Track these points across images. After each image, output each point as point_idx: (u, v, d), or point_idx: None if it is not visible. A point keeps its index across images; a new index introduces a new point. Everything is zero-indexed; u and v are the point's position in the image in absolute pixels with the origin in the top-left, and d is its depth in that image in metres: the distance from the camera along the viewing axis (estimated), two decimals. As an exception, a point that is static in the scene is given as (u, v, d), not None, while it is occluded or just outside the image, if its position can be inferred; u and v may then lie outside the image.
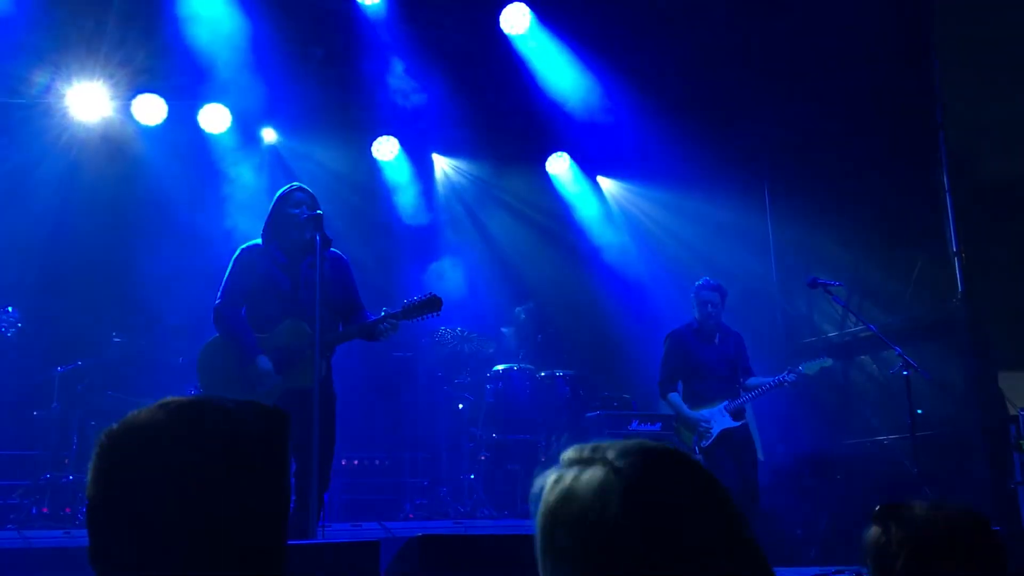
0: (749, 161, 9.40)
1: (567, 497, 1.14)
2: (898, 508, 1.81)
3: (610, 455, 1.16)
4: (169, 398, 1.27)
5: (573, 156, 10.16)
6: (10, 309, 6.80)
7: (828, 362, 6.69)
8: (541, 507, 1.17)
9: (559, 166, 10.19)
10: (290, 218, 5.01)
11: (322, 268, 4.75)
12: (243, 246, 5.18)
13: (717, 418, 6.51)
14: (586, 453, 1.19)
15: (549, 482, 1.19)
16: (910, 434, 6.33)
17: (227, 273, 5.13)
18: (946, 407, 7.35)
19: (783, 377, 6.57)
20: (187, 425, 1.22)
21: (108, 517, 1.20)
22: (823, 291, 6.79)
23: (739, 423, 6.54)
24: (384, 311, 5.00)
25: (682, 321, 6.93)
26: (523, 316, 8.99)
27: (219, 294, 5.10)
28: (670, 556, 1.08)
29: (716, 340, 6.76)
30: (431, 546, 4.05)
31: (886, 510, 1.81)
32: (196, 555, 1.16)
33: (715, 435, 6.46)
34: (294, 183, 5.28)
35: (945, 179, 7.59)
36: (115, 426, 1.24)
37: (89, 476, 1.22)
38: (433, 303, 5.04)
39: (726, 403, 6.55)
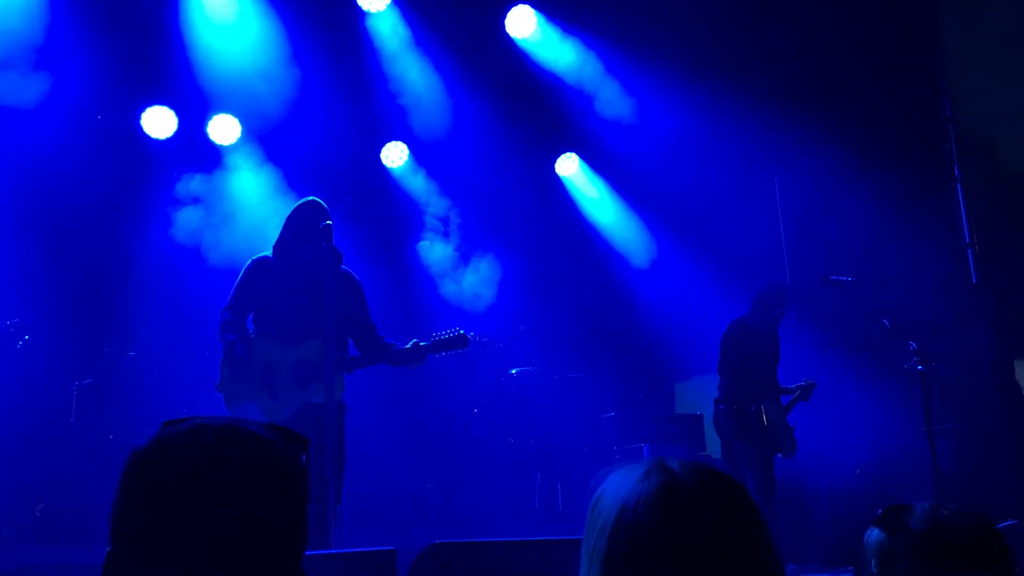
0: (758, 157, 9.37)
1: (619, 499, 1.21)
2: (901, 511, 1.81)
3: (672, 465, 1.24)
4: (199, 421, 1.29)
5: (582, 156, 10.15)
6: (16, 320, 6.80)
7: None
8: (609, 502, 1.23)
9: (568, 167, 10.18)
10: (302, 230, 5.05)
11: (333, 282, 4.78)
12: (253, 257, 5.24)
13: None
14: (649, 463, 1.26)
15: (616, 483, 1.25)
16: (925, 429, 6.28)
17: (236, 284, 5.18)
18: (962, 401, 7.31)
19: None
20: (219, 450, 1.24)
21: (132, 534, 1.22)
22: (836, 287, 6.74)
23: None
24: (413, 342, 5.11)
25: (710, 320, 6.84)
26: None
27: (226, 303, 5.15)
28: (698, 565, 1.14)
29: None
30: (447, 554, 4.05)
31: (889, 513, 1.81)
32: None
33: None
34: (308, 197, 5.32)
35: (956, 170, 7.57)
36: (145, 446, 1.26)
37: (117, 492, 1.25)
38: (461, 341, 5.14)
39: (784, 401, 6.49)
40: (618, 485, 1.25)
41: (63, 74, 7.78)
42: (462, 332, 5.15)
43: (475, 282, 9.27)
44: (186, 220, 8.24)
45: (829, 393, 7.96)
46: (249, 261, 5.24)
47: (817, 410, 7.60)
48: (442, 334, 5.15)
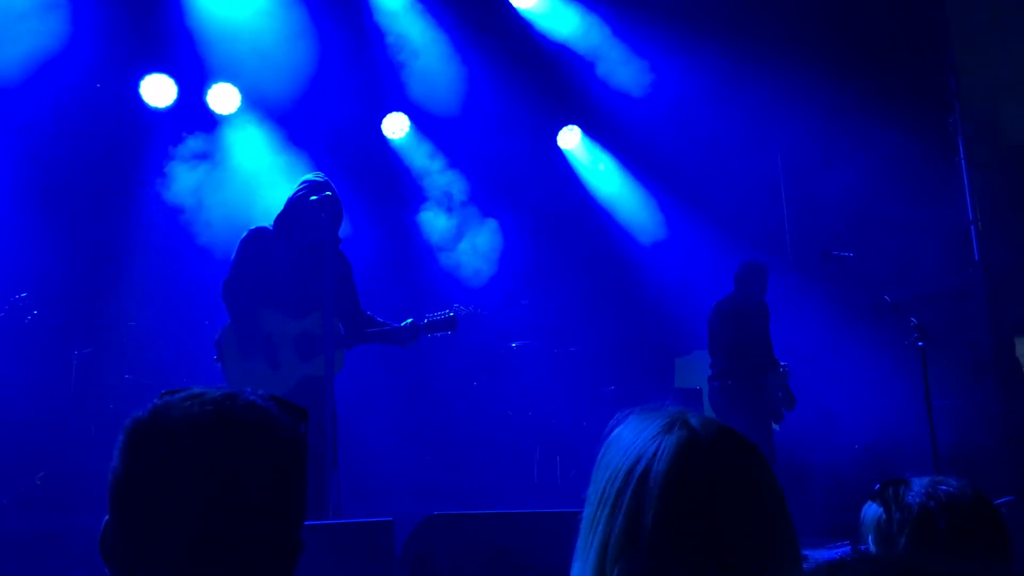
0: (761, 131, 9.32)
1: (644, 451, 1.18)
2: (899, 486, 1.80)
3: (692, 421, 1.22)
4: (197, 390, 1.29)
5: (587, 126, 10.08)
6: (23, 295, 6.83)
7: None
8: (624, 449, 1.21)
9: (570, 139, 10.11)
10: (306, 203, 5.06)
11: (332, 256, 4.81)
12: (252, 228, 5.22)
13: None
14: (671, 415, 1.24)
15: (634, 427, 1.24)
16: (925, 405, 6.30)
17: (237, 254, 5.16)
18: (962, 377, 7.32)
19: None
20: (218, 420, 1.24)
21: (130, 504, 1.22)
22: (837, 263, 6.76)
23: None
24: (410, 321, 5.24)
25: (711, 294, 6.94)
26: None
27: (229, 275, 5.13)
28: (725, 520, 1.13)
29: None
30: (444, 525, 4.07)
31: (887, 488, 1.81)
32: (210, 547, 1.19)
33: None
34: (318, 173, 5.35)
35: (960, 146, 7.53)
36: (144, 415, 1.26)
37: (115, 461, 1.25)
38: (451, 323, 5.30)
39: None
40: (636, 431, 1.23)
41: (65, 40, 7.72)
42: (452, 315, 5.30)
43: (476, 255, 9.24)
44: (185, 190, 8.20)
45: (829, 367, 7.99)
46: (247, 232, 5.22)
47: (817, 384, 7.63)
48: (435, 315, 5.30)
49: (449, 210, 9.56)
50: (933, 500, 1.75)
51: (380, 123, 9.43)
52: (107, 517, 1.25)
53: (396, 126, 9.47)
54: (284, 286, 5.10)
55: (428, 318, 5.29)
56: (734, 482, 1.17)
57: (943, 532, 1.72)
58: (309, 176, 5.30)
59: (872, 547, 1.81)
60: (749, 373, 6.50)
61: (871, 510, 1.82)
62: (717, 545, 1.11)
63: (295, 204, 5.13)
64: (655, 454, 1.17)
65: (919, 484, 1.79)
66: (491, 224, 9.69)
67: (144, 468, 1.22)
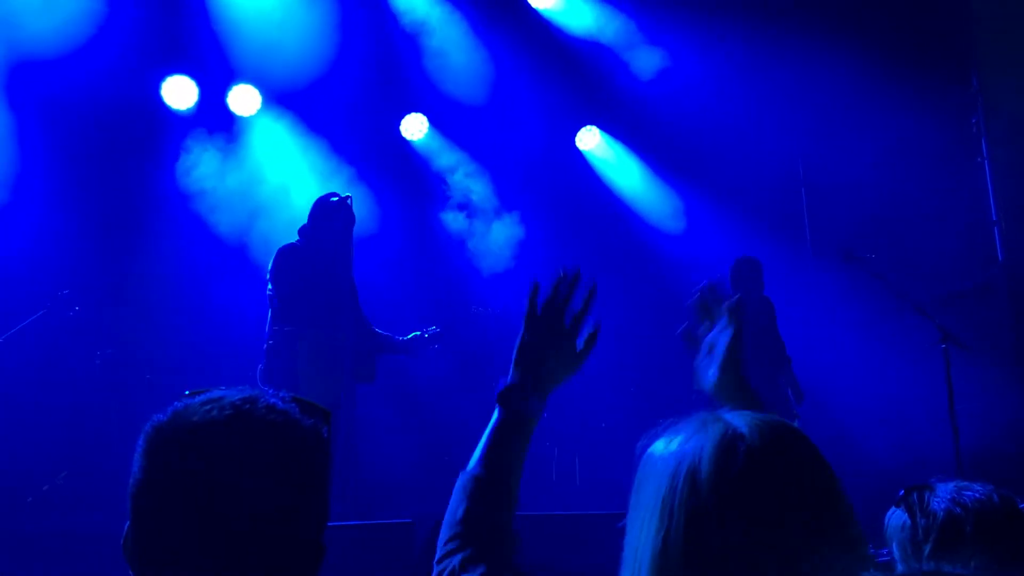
0: (782, 129, 9.26)
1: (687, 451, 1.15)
2: (923, 491, 1.78)
3: (725, 416, 1.19)
4: (218, 392, 1.28)
5: (602, 122, 10.03)
6: (66, 292, 6.93)
7: None
8: (657, 454, 1.19)
9: (589, 140, 10.06)
10: (328, 204, 5.20)
11: (350, 264, 4.96)
12: (283, 246, 5.37)
13: None
14: (708, 416, 1.21)
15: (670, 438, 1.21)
16: (948, 408, 6.24)
17: (277, 272, 5.28)
18: (985, 379, 7.25)
19: None
20: (238, 423, 1.23)
21: (151, 507, 1.22)
22: (858, 264, 6.69)
23: None
24: (420, 332, 5.78)
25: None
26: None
27: (282, 292, 5.22)
28: (772, 522, 1.09)
29: None
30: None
31: (911, 494, 1.79)
32: (232, 552, 1.19)
33: None
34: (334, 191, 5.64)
35: (983, 146, 7.46)
36: (164, 419, 1.25)
37: (135, 465, 1.25)
38: (438, 338, 5.92)
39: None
40: (668, 442, 1.20)
41: (86, 40, 7.77)
42: (439, 332, 5.86)
43: (494, 253, 9.23)
44: (207, 192, 8.23)
45: (849, 368, 7.93)
46: (280, 250, 5.39)
47: (840, 386, 7.57)
48: (430, 330, 5.82)
49: (468, 209, 9.55)
50: (959, 506, 1.73)
51: (398, 123, 9.43)
52: (128, 522, 1.25)
53: (414, 126, 9.46)
54: (323, 295, 5.21)
55: (428, 332, 5.76)
56: (787, 464, 1.13)
57: (969, 538, 1.69)
58: (328, 192, 5.59)
59: (895, 554, 1.79)
60: (762, 372, 6.42)
61: (895, 517, 1.80)
62: (785, 531, 1.08)
63: (316, 210, 5.31)
64: (695, 454, 1.14)
65: (944, 490, 1.77)
66: (509, 221, 9.68)
67: (164, 473, 1.22)
